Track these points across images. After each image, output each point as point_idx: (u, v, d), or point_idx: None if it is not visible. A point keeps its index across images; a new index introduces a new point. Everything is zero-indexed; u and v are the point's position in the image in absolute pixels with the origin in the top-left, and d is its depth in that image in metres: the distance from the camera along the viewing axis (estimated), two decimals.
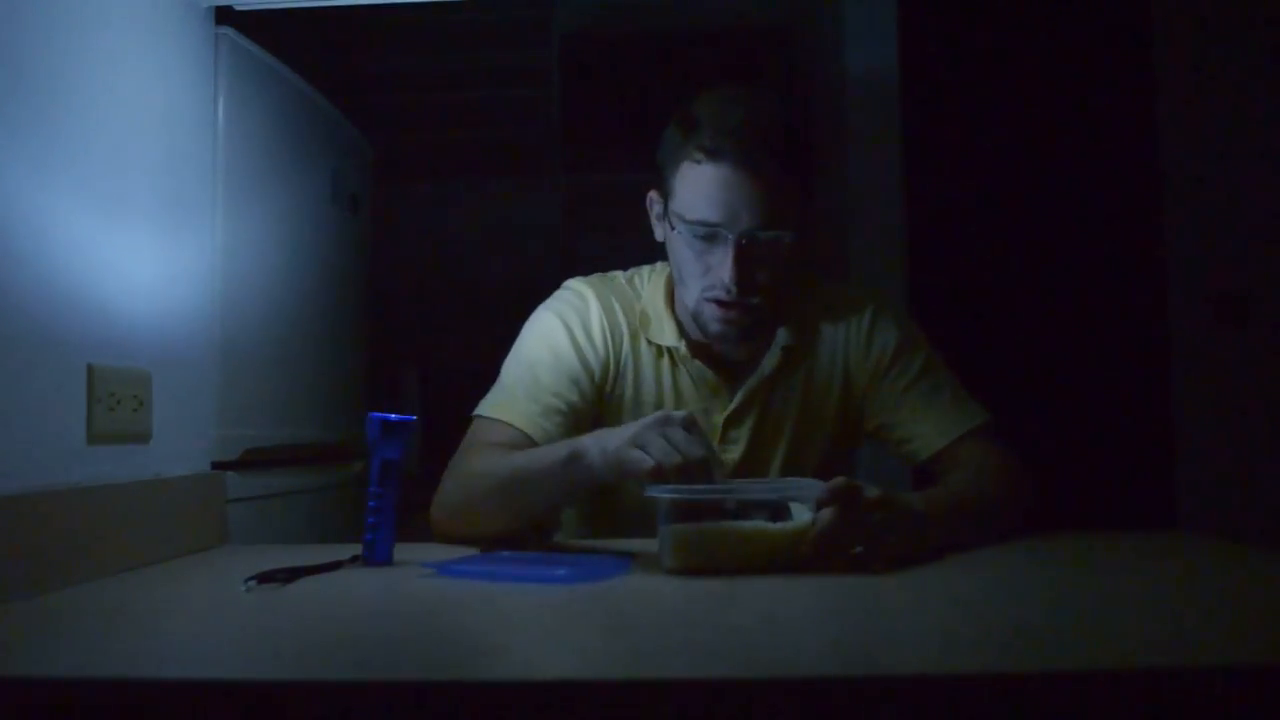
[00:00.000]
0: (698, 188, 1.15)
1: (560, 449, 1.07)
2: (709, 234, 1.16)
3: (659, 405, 1.27)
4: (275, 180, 1.61)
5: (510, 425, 1.20)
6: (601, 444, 1.02)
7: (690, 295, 1.21)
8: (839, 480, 0.95)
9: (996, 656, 0.67)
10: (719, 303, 1.18)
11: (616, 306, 1.29)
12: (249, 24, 1.42)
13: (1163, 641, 0.71)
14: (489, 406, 1.23)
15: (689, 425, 0.99)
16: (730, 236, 1.14)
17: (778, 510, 0.97)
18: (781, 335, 1.27)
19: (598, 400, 1.26)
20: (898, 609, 0.83)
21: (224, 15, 1.36)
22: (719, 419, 1.26)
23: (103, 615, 0.84)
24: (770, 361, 1.26)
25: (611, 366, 1.27)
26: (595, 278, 1.34)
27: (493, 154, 3.17)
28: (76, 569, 0.96)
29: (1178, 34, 2.14)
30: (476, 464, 1.17)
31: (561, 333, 1.26)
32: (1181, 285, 2.14)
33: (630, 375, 1.28)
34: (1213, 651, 0.68)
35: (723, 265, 1.15)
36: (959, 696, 0.58)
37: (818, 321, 1.30)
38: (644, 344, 1.28)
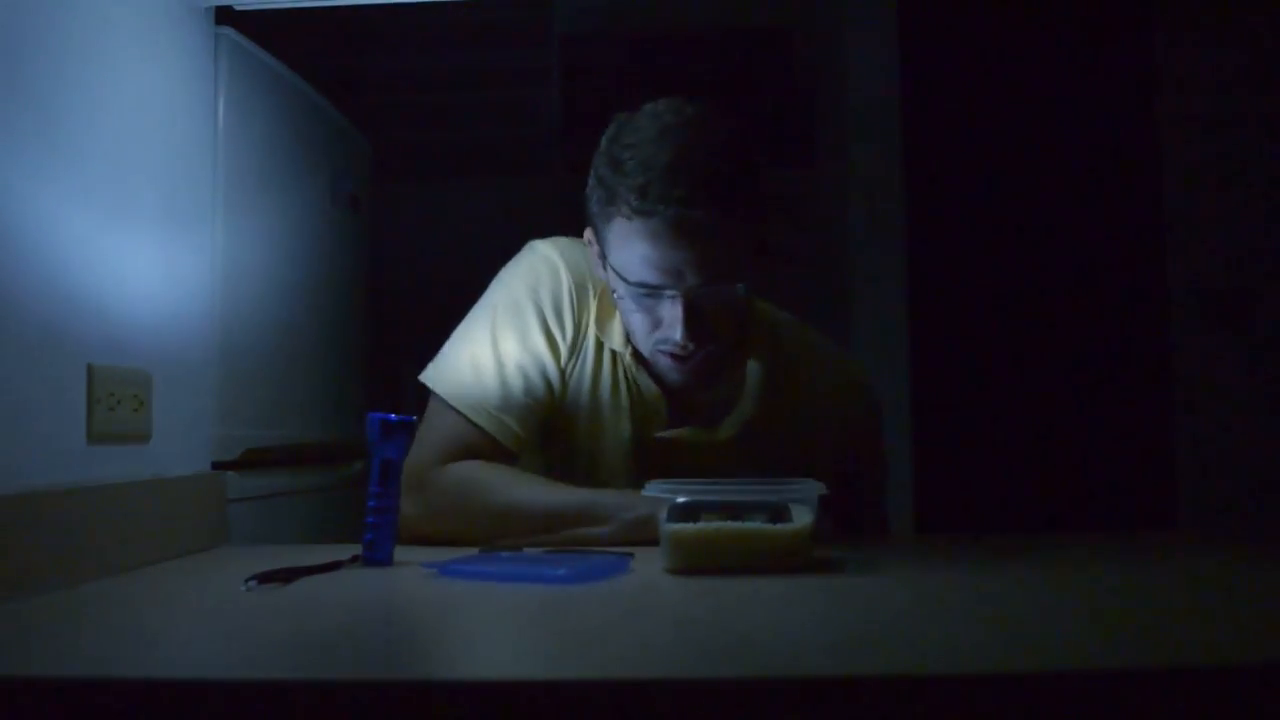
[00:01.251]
0: (634, 249, 1.06)
1: (572, 501, 1.09)
2: (653, 294, 1.09)
3: (603, 403, 1.20)
4: (275, 180, 1.61)
5: (478, 428, 1.17)
6: (621, 516, 1.06)
7: (644, 346, 1.15)
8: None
9: (996, 656, 0.67)
10: (673, 356, 1.12)
11: (585, 269, 1.21)
12: (249, 24, 1.42)
13: (1163, 641, 0.71)
14: (453, 392, 1.18)
15: None
16: (677, 293, 1.07)
17: (778, 511, 0.97)
18: (752, 387, 1.20)
19: (562, 388, 1.21)
20: (898, 609, 0.83)
21: (224, 15, 1.35)
22: (658, 428, 1.20)
23: (103, 615, 0.84)
24: (742, 412, 1.20)
25: (576, 352, 1.20)
26: (565, 242, 1.25)
27: (493, 154, 3.17)
28: (76, 569, 0.96)
29: (1178, 34, 2.14)
30: (461, 477, 1.15)
31: (532, 314, 1.19)
32: (1181, 285, 2.14)
33: (590, 365, 1.20)
34: (1213, 651, 0.68)
35: (673, 325, 1.08)
36: (959, 696, 0.58)
37: (789, 366, 1.24)
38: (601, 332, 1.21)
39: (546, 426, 1.23)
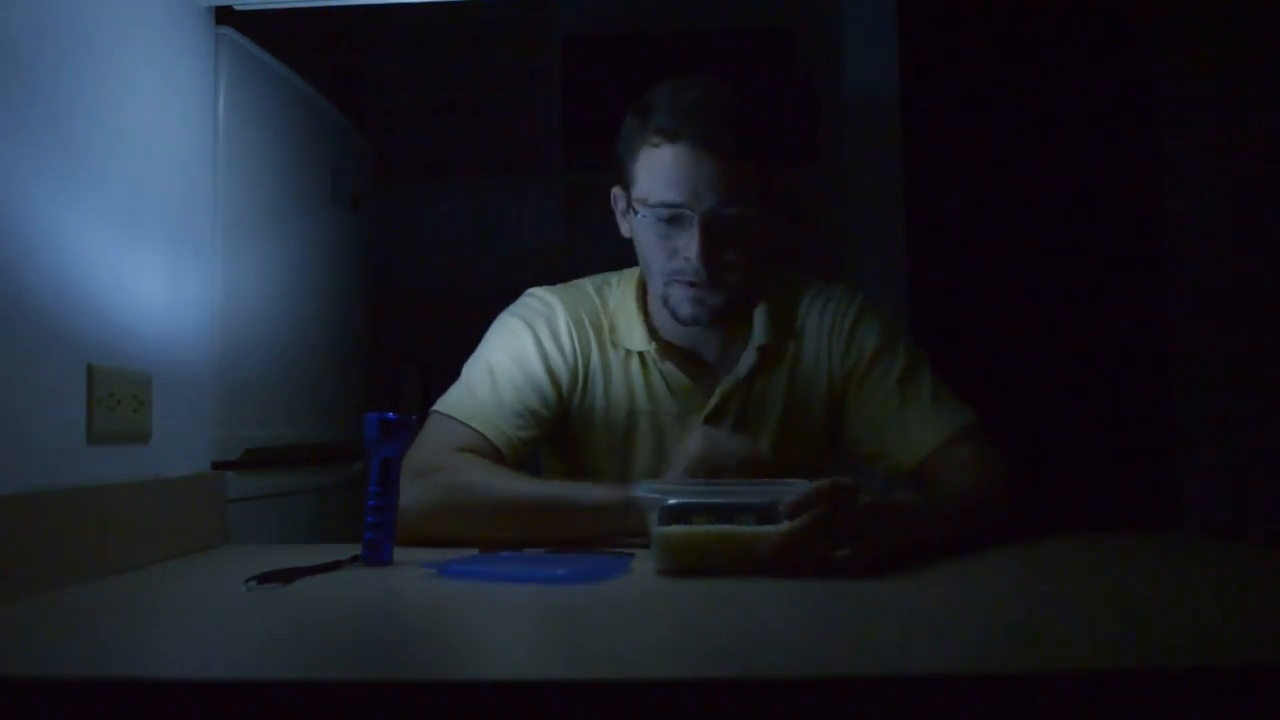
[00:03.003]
0: (658, 171, 1.15)
1: (611, 493, 1.09)
2: (673, 215, 1.15)
3: (631, 412, 1.25)
4: (275, 180, 1.61)
5: (473, 430, 1.19)
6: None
7: (659, 281, 1.20)
8: (822, 483, 0.93)
9: (996, 656, 0.67)
10: (689, 284, 1.17)
11: (584, 316, 1.28)
12: (249, 24, 1.42)
13: (1163, 641, 0.71)
14: (452, 406, 1.21)
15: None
16: (694, 216, 1.14)
17: (770, 512, 0.96)
18: (758, 334, 1.25)
19: (563, 410, 1.25)
20: (897, 609, 0.83)
21: (224, 15, 1.35)
22: (696, 420, 1.24)
23: (103, 615, 0.84)
24: (746, 361, 1.24)
25: (580, 376, 1.25)
26: (561, 287, 1.32)
27: (493, 154, 3.17)
28: (76, 569, 0.96)
29: (1178, 35, 2.14)
30: (471, 476, 1.15)
31: (529, 340, 1.24)
32: (1181, 285, 2.14)
33: (600, 385, 1.26)
34: (1213, 651, 0.68)
35: (689, 246, 1.15)
36: (959, 696, 0.58)
37: (800, 321, 1.28)
38: (612, 352, 1.26)
39: (556, 439, 1.28)
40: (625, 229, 1.26)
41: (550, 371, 1.24)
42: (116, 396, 1.07)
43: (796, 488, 0.98)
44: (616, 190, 1.26)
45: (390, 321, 2.55)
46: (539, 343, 1.24)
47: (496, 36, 3.12)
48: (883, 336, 1.26)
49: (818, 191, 2.58)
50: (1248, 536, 1.37)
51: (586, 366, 1.26)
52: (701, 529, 0.95)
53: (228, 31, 1.39)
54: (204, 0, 1.31)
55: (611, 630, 0.75)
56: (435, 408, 1.23)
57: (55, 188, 0.99)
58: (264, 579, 0.91)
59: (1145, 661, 0.64)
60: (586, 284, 1.33)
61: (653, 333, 1.26)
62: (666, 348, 1.25)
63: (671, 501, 0.94)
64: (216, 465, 1.35)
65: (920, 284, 2.16)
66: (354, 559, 1.04)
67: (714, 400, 1.24)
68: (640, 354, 1.25)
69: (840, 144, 2.24)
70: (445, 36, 3.13)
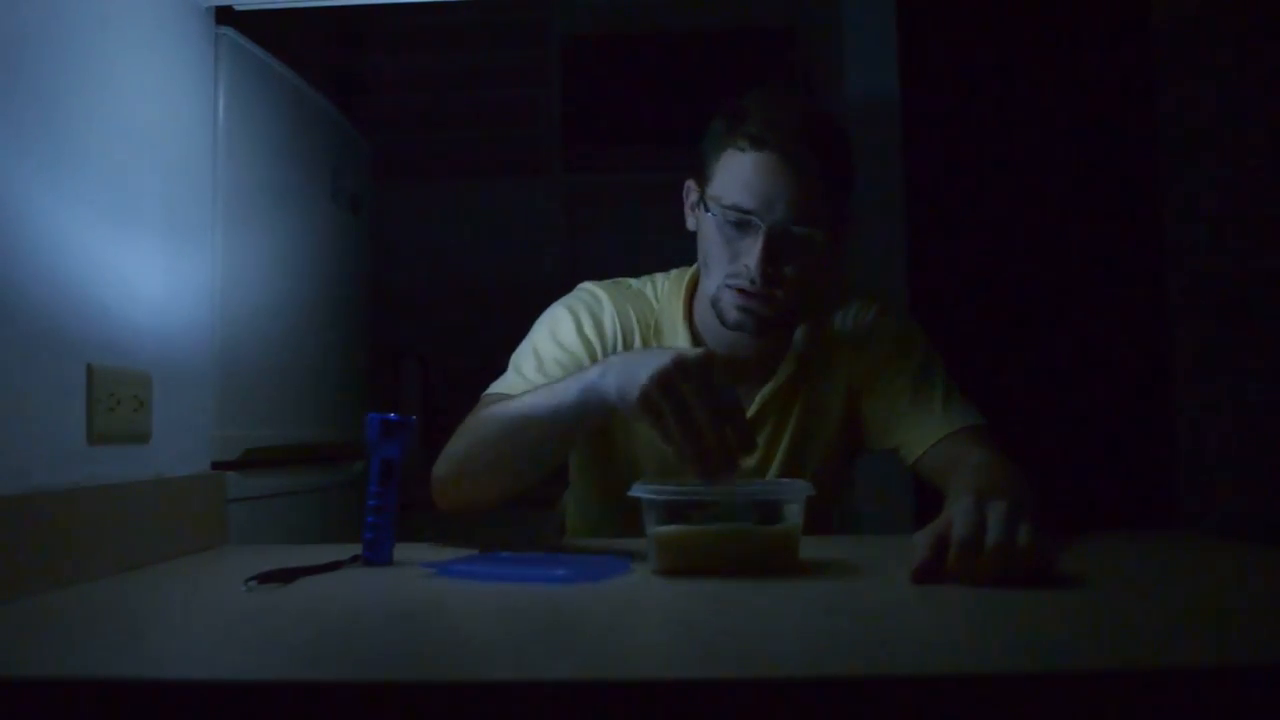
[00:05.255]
0: (737, 174, 1.16)
1: (570, 387, 1.03)
2: (741, 220, 1.15)
3: None
4: (275, 180, 1.61)
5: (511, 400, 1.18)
6: (619, 384, 0.96)
7: (713, 282, 1.20)
8: (951, 510, 0.88)
9: (997, 656, 0.67)
10: (741, 290, 1.17)
11: (630, 311, 1.29)
12: (249, 24, 1.42)
13: (1164, 642, 0.71)
14: (498, 385, 1.23)
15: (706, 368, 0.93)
16: (762, 226, 1.14)
17: (769, 511, 0.96)
18: (798, 343, 1.27)
19: None
20: (896, 609, 0.83)
21: (224, 15, 1.36)
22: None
23: (103, 615, 0.84)
24: (786, 369, 1.26)
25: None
26: (609, 283, 1.34)
27: (493, 154, 3.17)
28: (76, 569, 0.96)
29: (1178, 36, 2.14)
30: (480, 413, 1.16)
31: (569, 321, 1.26)
32: (1181, 285, 2.14)
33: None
34: (1213, 651, 0.68)
35: (750, 253, 1.15)
36: (959, 696, 0.58)
37: (829, 329, 1.30)
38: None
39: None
40: (691, 222, 1.26)
41: (590, 350, 1.24)
42: (116, 396, 1.07)
43: (795, 487, 0.98)
44: (690, 183, 1.26)
45: (390, 321, 2.55)
46: (579, 323, 1.26)
47: (497, 36, 3.12)
48: (899, 335, 1.28)
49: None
50: (1248, 536, 1.37)
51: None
52: (701, 527, 0.95)
53: (228, 31, 1.39)
54: (204, 0, 1.31)
55: (611, 630, 0.75)
56: (485, 392, 1.24)
57: (55, 188, 0.99)
58: (264, 579, 0.91)
59: (1145, 662, 0.64)
60: (632, 282, 1.35)
61: (695, 338, 1.27)
62: None
63: (667, 499, 0.94)
64: (216, 465, 1.35)
65: (920, 284, 2.16)
66: (354, 559, 1.04)
67: (754, 408, 1.25)
68: None
69: None
70: (445, 36, 3.13)
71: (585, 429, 1.10)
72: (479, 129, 3.18)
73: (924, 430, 1.22)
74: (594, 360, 1.21)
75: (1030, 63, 2.22)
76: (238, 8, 1.34)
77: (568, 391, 1.03)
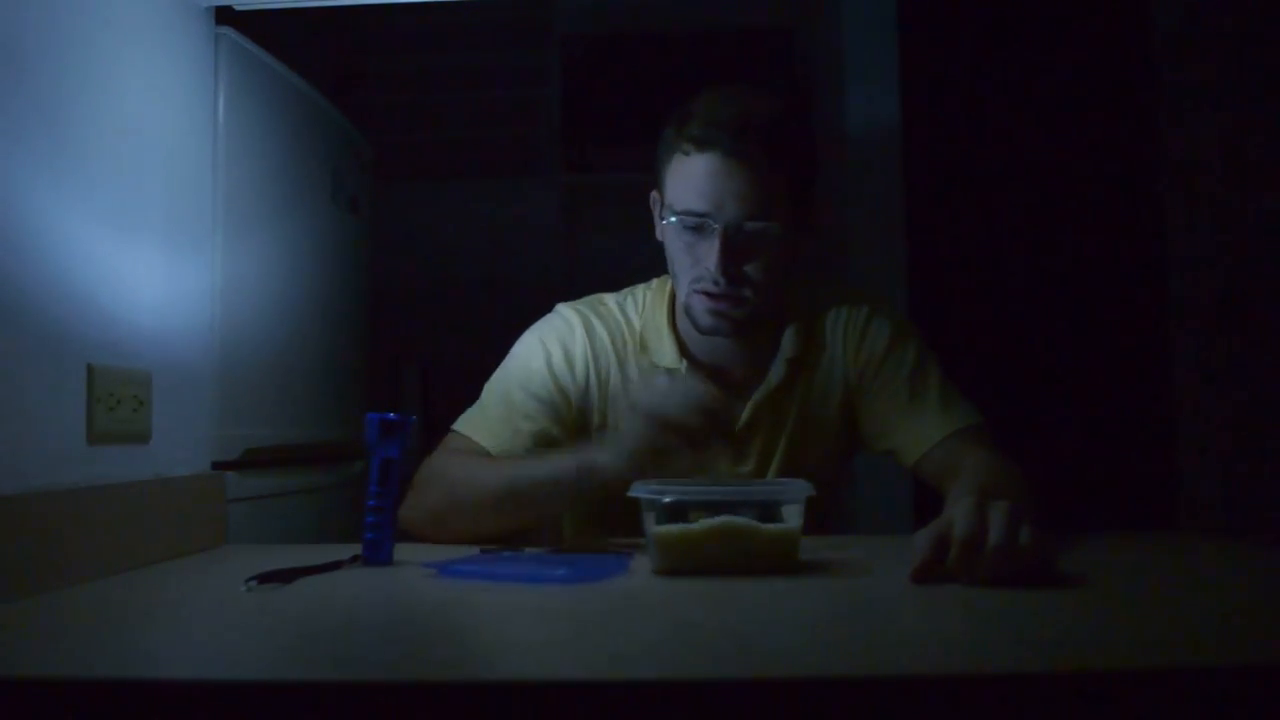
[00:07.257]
0: (686, 179, 1.16)
1: (566, 463, 1.10)
2: (697, 224, 1.15)
3: None
4: (275, 180, 1.61)
5: (479, 445, 1.22)
6: (612, 455, 1.06)
7: (682, 289, 1.21)
8: (952, 510, 0.88)
9: (997, 656, 0.67)
10: (708, 294, 1.17)
11: (603, 333, 1.28)
12: (249, 24, 1.42)
13: (1163, 641, 0.71)
14: (463, 422, 1.25)
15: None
16: (717, 226, 1.14)
17: (768, 511, 0.96)
18: (787, 346, 1.26)
19: (583, 426, 1.26)
20: (897, 609, 0.83)
21: (224, 15, 1.35)
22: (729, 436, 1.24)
23: (103, 615, 0.84)
24: (776, 373, 1.26)
25: (595, 394, 1.26)
26: (584, 303, 1.33)
27: (493, 154, 3.17)
28: (76, 569, 0.96)
29: (1178, 42, 2.14)
30: (460, 471, 1.18)
31: (540, 357, 1.26)
32: (1181, 285, 2.14)
33: (621, 402, 1.26)
34: (1213, 651, 0.68)
35: (709, 255, 1.15)
36: (959, 696, 0.58)
37: (820, 329, 1.29)
38: (635, 370, 1.27)
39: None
40: (659, 233, 1.27)
41: (560, 387, 1.25)
42: (116, 396, 1.07)
43: (794, 487, 0.98)
44: (654, 194, 1.26)
45: (390, 321, 2.55)
46: (549, 359, 1.26)
47: (496, 36, 3.12)
48: (894, 334, 1.27)
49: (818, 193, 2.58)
50: (1248, 536, 1.37)
51: (603, 385, 1.26)
52: (700, 526, 0.95)
53: (228, 31, 1.39)
54: (204, 0, 1.31)
55: (611, 630, 0.75)
56: (453, 426, 1.26)
57: (55, 188, 0.99)
58: (264, 579, 0.91)
59: (1145, 662, 0.64)
60: (609, 300, 1.33)
61: (682, 348, 1.27)
62: (696, 364, 1.26)
63: (668, 499, 0.94)
64: (216, 465, 1.35)
65: (920, 284, 2.16)
66: (354, 559, 1.04)
67: (746, 414, 1.25)
68: (670, 371, 1.25)
69: (840, 144, 2.24)
70: (445, 36, 3.13)
71: (585, 500, 1.15)
72: (479, 129, 3.18)
73: (922, 432, 1.21)
74: (564, 398, 1.25)
75: (1031, 65, 2.22)
76: (238, 8, 1.34)
77: (563, 469, 1.11)
